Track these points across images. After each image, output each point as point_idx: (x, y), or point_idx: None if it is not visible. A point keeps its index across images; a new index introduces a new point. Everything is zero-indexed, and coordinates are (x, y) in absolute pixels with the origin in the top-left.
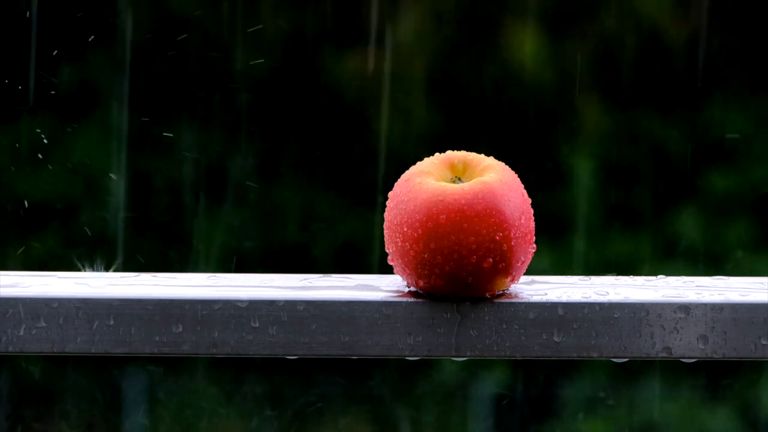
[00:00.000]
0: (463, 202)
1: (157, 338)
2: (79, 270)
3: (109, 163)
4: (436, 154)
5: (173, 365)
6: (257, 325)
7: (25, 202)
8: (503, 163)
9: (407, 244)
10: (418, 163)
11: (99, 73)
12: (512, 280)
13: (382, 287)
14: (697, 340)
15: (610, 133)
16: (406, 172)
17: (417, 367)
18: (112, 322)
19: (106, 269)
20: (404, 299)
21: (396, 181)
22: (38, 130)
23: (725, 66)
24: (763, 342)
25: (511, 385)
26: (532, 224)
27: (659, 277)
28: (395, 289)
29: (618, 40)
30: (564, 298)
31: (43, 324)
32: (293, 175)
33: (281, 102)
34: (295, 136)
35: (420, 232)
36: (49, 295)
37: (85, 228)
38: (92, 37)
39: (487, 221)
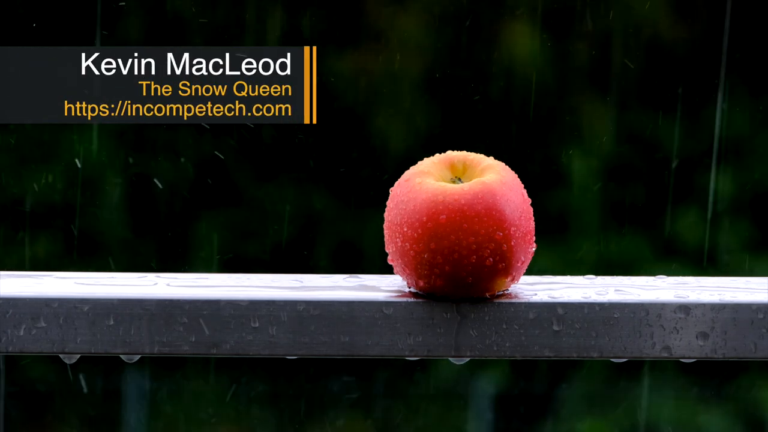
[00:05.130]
0: (463, 202)
1: (157, 338)
2: (78, 270)
3: (110, 164)
4: (436, 154)
5: (173, 365)
6: (257, 325)
7: (25, 202)
8: (503, 163)
9: (407, 244)
10: (418, 163)
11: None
12: (512, 280)
13: (382, 287)
14: (697, 340)
15: (610, 133)
16: (406, 172)
17: (417, 367)
18: (112, 322)
19: (106, 270)
20: (404, 299)
21: (396, 181)
22: (38, 130)
23: (725, 66)
24: (763, 342)
25: (511, 385)
26: (532, 224)
27: (659, 277)
28: (395, 289)
29: (618, 40)
30: (564, 298)
31: (43, 324)
32: (293, 174)
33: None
34: (294, 136)
35: (420, 232)
36: (49, 295)
37: (86, 228)
38: (91, 35)
39: (487, 221)
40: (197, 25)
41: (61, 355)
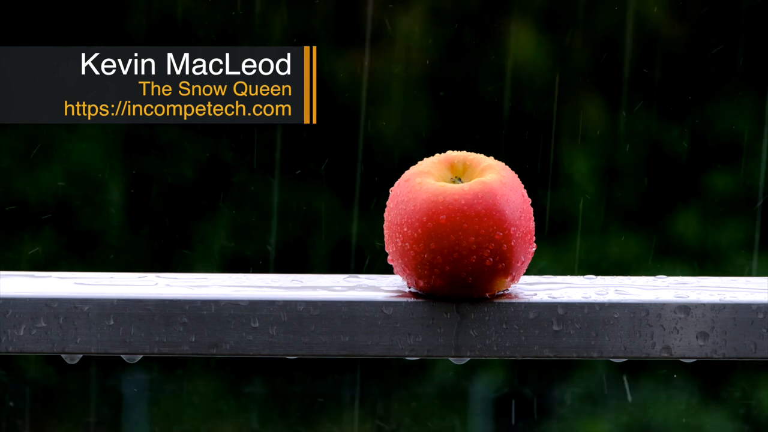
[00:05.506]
0: (463, 202)
1: (157, 338)
2: (78, 270)
3: (109, 163)
4: (436, 154)
5: (173, 365)
6: (257, 325)
7: (25, 202)
8: (503, 163)
9: (407, 244)
10: (419, 163)
11: None
12: (512, 280)
13: (382, 287)
14: (697, 340)
15: (610, 133)
16: (406, 172)
17: (416, 367)
18: (112, 322)
19: (106, 269)
20: (404, 299)
21: (396, 181)
22: (38, 130)
23: (725, 66)
24: (763, 342)
25: (511, 385)
26: (532, 224)
27: (659, 277)
28: (395, 289)
29: (618, 40)
30: (564, 298)
31: (43, 324)
32: (292, 175)
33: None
34: (294, 136)
35: (420, 232)
36: (49, 295)
37: (85, 228)
38: (93, 36)
39: (487, 221)
40: (197, 25)
41: (62, 355)
